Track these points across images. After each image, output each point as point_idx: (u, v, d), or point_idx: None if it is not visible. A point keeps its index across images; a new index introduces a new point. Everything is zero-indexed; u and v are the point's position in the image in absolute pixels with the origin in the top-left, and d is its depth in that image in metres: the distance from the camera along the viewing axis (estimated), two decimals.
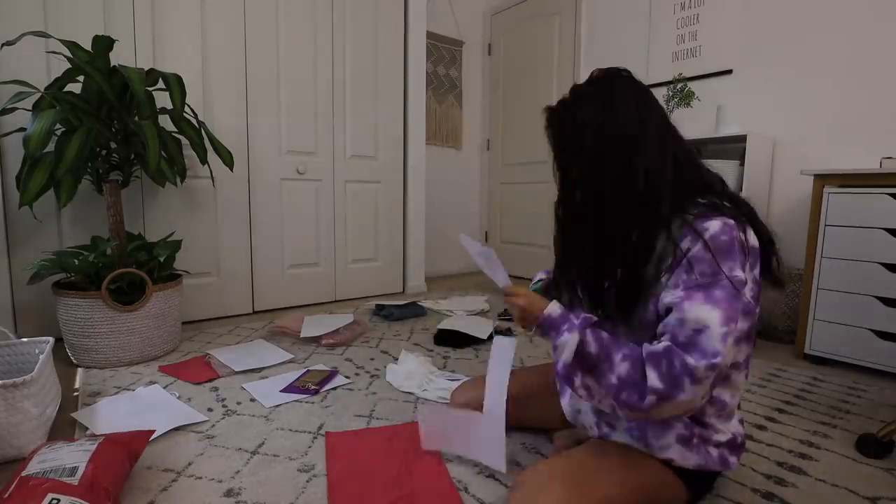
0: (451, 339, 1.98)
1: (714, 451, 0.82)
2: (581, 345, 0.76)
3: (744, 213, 0.79)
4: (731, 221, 0.74)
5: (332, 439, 1.18)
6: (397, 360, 1.74)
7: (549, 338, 0.82)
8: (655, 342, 0.74)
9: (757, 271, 0.76)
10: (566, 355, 0.76)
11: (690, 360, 0.68)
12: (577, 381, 0.77)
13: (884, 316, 1.66)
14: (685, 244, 0.74)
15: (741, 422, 0.88)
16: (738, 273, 0.71)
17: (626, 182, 0.78)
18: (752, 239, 0.76)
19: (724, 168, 2.27)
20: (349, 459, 1.09)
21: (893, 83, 1.98)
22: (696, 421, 0.82)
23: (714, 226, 0.73)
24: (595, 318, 0.79)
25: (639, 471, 0.80)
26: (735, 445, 0.85)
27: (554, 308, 0.83)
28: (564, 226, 0.88)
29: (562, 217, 0.88)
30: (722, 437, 0.83)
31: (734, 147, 2.39)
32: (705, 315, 0.69)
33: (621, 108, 0.79)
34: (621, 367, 0.73)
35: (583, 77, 3.39)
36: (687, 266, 0.73)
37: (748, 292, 0.74)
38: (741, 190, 2.20)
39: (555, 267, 0.95)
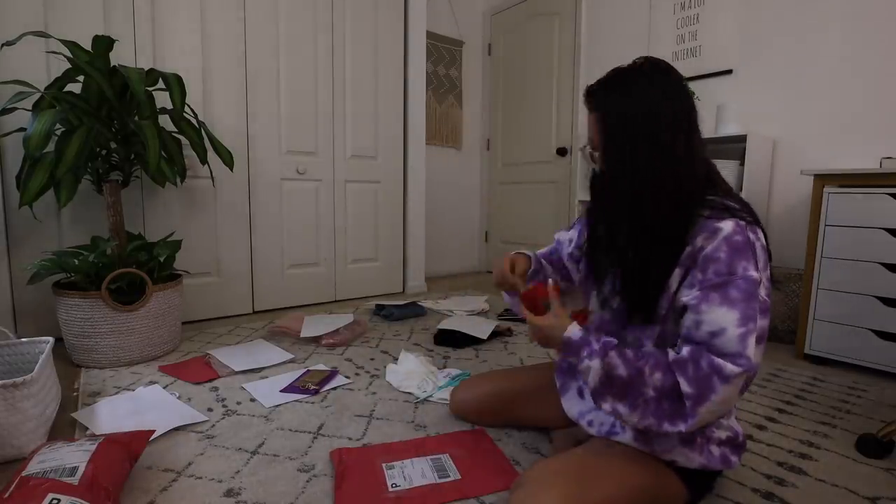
0: (451, 339, 1.98)
1: (716, 451, 0.82)
2: (608, 369, 0.76)
3: (751, 214, 0.79)
4: (742, 222, 0.75)
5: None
6: (397, 360, 1.74)
7: (574, 360, 0.82)
8: (677, 348, 0.74)
9: (768, 272, 0.76)
10: (592, 382, 0.78)
11: (717, 360, 0.69)
12: (608, 405, 0.77)
13: (884, 316, 1.66)
14: (699, 241, 0.75)
15: (745, 439, 0.89)
16: (752, 272, 0.71)
17: (663, 164, 0.78)
18: (762, 239, 0.77)
19: (724, 168, 2.27)
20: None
21: (893, 83, 1.98)
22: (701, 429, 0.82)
23: (728, 225, 0.73)
24: (615, 341, 0.79)
25: (640, 471, 0.80)
26: (736, 444, 0.85)
27: (573, 331, 0.82)
28: (601, 200, 0.90)
29: (599, 191, 0.89)
30: (723, 434, 0.83)
31: (734, 147, 2.39)
32: (721, 317, 0.70)
33: (665, 95, 0.80)
34: (655, 377, 0.73)
35: (583, 77, 3.39)
36: (702, 265, 0.74)
37: (762, 291, 0.73)
38: (741, 190, 2.20)
39: (586, 239, 0.96)
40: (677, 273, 0.77)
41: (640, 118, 0.79)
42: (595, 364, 0.77)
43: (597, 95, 0.86)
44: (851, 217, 1.72)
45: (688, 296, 0.74)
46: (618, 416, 0.77)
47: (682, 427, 0.71)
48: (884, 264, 1.66)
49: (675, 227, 0.78)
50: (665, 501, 0.82)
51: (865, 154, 2.05)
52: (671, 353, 0.73)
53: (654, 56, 0.86)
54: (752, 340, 0.69)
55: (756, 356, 0.71)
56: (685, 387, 0.70)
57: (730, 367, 0.68)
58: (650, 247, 0.80)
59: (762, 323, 0.73)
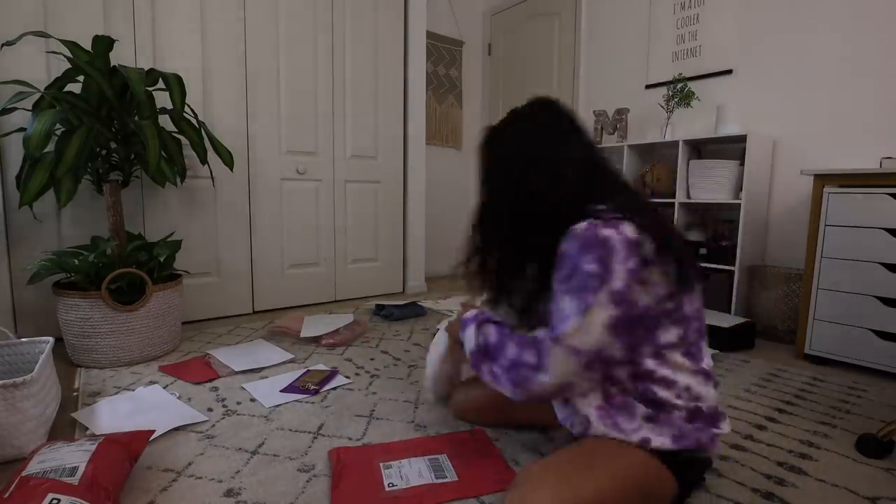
0: None
1: (687, 427, 0.83)
2: (482, 335, 0.93)
3: (626, 210, 0.85)
4: (598, 221, 0.82)
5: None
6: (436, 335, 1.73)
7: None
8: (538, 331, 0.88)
9: (633, 262, 0.79)
10: (469, 345, 0.96)
11: (542, 333, 0.84)
12: (486, 368, 0.91)
13: (884, 316, 1.66)
14: (562, 247, 0.86)
15: (718, 410, 0.88)
16: (591, 266, 0.79)
17: (534, 193, 0.93)
18: (627, 233, 0.80)
19: (724, 168, 2.27)
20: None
21: (893, 83, 1.98)
22: (650, 402, 0.84)
23: (580, 226, 0.83)
24: (492, 315, 0.98)
25: (628, 464, 0.81)
26: (705, 415, 0.85)
27: (466, 315, 1.01)
28: (485, 230, 1.04)
29: (483, 224, 1.03)
30: (684, 411, 0.84)
31: (734, 147, 2.39)
32: (563, 304, 0.82)
33: (535, 131, 0.96)
34: (511, 350, 0.88)
35: (583, 77, 3.39)
36: (558, 263, 0.85)
37: (618, 282, 0.78)
38: (741, 190, 2.20)
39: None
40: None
41: (511, 157, 0.96)
42: (470, 331, 0.96)
43: (483, 137, 1.04)
44: (851, 217, 1.72)
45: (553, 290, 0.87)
46: (494, 378, 0.90)
47: (539, 382, 0.83)
48: (884, 264, 1.66)
49: (542, 244, 0.91)
50: (656, 492, 0.83)
51: (865, 154, 2.05)
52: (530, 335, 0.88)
53: (546, 99, 1.01)
54: (595, 325, 0.79)
55: (591, 338, 0.79)
56: (530, 357, 0.84)
57: (550, 345, 0.81)
58: (523, 267, 0.98)
59: (615, 312, 0.79)
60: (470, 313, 1.01)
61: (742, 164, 2.22)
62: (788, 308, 2.09)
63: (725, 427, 0.88)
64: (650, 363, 0.83)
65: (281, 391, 1.48)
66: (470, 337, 0.96)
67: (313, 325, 2.03)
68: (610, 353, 0.81)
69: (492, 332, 0.92)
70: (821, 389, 1.57)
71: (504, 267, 1.02)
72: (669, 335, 0.84)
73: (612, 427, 0.86)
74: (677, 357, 0.84)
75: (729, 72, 2.47)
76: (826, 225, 1.78)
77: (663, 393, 0.84)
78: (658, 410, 0.84)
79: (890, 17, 1.97)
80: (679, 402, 0.84)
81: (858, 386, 1.61)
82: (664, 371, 0.84)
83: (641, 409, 0.84)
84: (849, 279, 1.73)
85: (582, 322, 0.79)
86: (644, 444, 0.83)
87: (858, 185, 1.74)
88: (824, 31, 2.15)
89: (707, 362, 0.89)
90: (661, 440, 0.83)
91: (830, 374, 1.71)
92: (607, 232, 0.80)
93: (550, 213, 0.91)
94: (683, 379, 0.84)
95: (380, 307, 2.46)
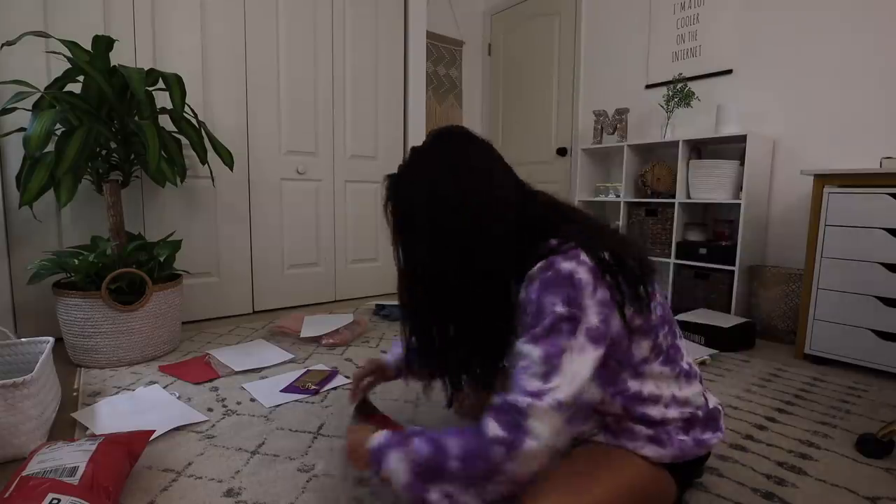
0: None
1: (686, 438, 0.83)
2: (410, 454, 0.71)
3: (579, 235, 0.77)
4: (554, 257, 0.73)
5: None
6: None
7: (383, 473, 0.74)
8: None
9: (601, 292, 0.72)
10: (403, 477, 0.70)
11: (512, 397, 0.68)
12: (434, 496, 0.68)
13: (884, 316, 1.66)
14: (521, 295, 0.76)
15: (711, 409, 0.87)
16: (560, 308, 0.70)
17: (470, 246, 0.78)
18: (588, 261, 0.73)
19: (724, 168, 2.27)
20: None
21: (893, 83, 1.98)
22: (649, 423, 0.82)
23: (538, 267, 0.73)
24: (418, 429, 0.76)
25: (626, 469, 0.81)
26: (701, 421, 0.84)
27: (377, 438, 0.77)
28: (415, 304, 0.88)
29: (411, 297, 0.88)
30: (682, 426, 0.83)
31: (734, 147, 2.39)
32: (528, 353, 0.70)
33: (447, 174, 0.80)
34: (454, 446, 0.69)
35: (583, 76, 3.38)
36: (523, 310, 0.75)
37: (593, 318, 0.71)
38: (741, 190, 2.20)
39: (413, 353, 0.93)
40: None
41: (424, 205, 0.79)
42: (394, 459, 0.72)
43: (390, 188, 0.87)
44: (851, 217, 1.72)
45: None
46: (450, 500, 0.68)
47: (502, 482, 0.67)
48: (884, 264, 1.66)
49: (493, 297, 0.78)
50: (659, 496, 0.83)
51: (865, 154, 2.05)
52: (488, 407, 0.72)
53: (454, 131, 0.86)
54: (568, 369, 0.68)
55: (581, 384, 0.69)
56: (496, 430, 0.67)
57: (527, 405, 0.67)
58: (478, 323, 0.80)
59: (596, 353, 0.71)
60: (379, 437, 0.77)
61: (742, 164, 2.22)
62: (788, 308, 2.09)
63: (722, 426, 0.88)
64: (634, 385, 0.80)
65: (281, 391, 1.48)
66: (399, 468, 0.71)
67: (313, 325, 2.03)
68: (590, 396, 0.73)
69: (421, 446, 0.71)
70: (821, 389, 1.57)
71: (462, 336, 0.84)
72: (642, 350, 0.80)
73: (613, 440, 0.85)
74: (655, 368, 0.82)
75: (729, 72, 2.47)
76: (826, 225, 1.78)
77: (654, 411, 0.81)
78: (656, 429, 0.82)
79: (890, 17, 1.97)
80: (672, 414, 0.82)
81: (858, 386, 1.61)
82: (649, 388, 0.81)
83: (642, 430, 0.83)
84: (849, 279, 1.73)
85: (561, 370, 0.68)
86: (647, 458, 0.83)
87: (858, 185, 1.74)
88: (824, 30, 2.15)
89: (686, 361, 0.87)
90: (663, 458, 0.82)
91: (830, 374, 1.71)
92: (568, 266, 0.72)
93: (497, 255, 0.78)
94: (667, 389, 0.82)
95: (380, 307, 2.46)
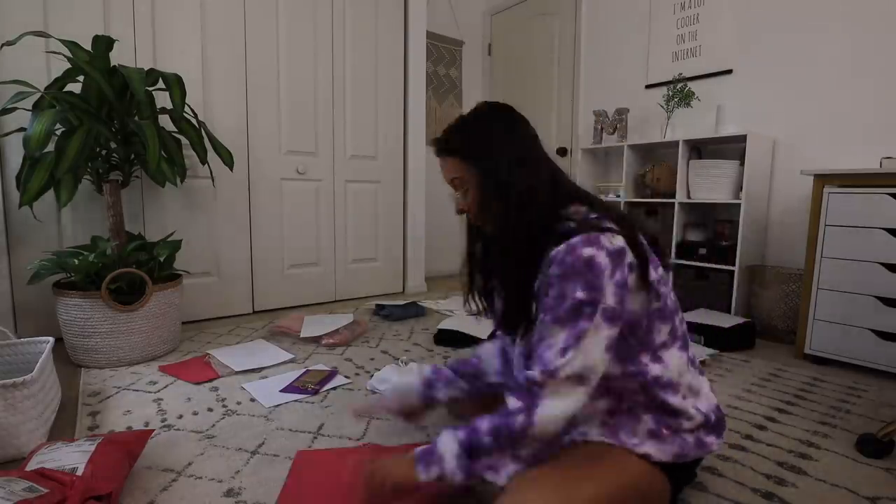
0: (451, 339, 1.98)
1: (690, 437, 0.84)
2: (453, 440, 0.80)
3: (602, 218, 0.82)
4: (577, 238, 0.77)
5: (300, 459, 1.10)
6: (380, 370, 1.73)
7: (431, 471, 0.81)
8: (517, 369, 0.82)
9: (619, 274, 0.77)
10: (452, 461, 0.79)
11: (531, 372, 0.77)
12: (479, 468, 0.78)
13: (884, 316, 1.66)
14: (547, 269, 0.81)
15: (721, 414, 0.89)
16: (581, 293, 0.75)
17: (524, 200, 0.85)
18: (613, 243, 0.77)
19: (724, 168, 2.27)
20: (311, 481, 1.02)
21: (893, 83, 1.98)
22: (663, 411, 0.83)
23: (560, 250, 0.78)
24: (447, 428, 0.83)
25: (620, 468, 0.81)
26: (710, 426, 0.86)
27: (415, 449, 0.84)
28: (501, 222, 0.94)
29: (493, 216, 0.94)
30: (692, 424, 0.84)
31: (734, 147, 2.39)
32: (549, 333, 0.78)
33: (515, 132, 0.90)
34: (483, 425, 0.79)
35: (583, 76, 3.38)
36: (546, 289, 0.80)
37: (611, 298, 0.76)
38: (741, 189, 2.20)
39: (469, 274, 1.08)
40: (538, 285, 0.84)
41: (503, 131, 0.89)
42: (449, 440, 0.80)
43: (450, 143, 0.92)
44: (851, 217, 1.72)
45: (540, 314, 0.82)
46: (494, 472, 0.79)
47: (526, 441, 0.77)
48: (884, 264, 1.66)
49: (529, 253, 0.85)
50: (652, 496, 0.83)
51: (865, 154, 2.05)
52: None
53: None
54: (592, 349, 0.75)
55: (589, 360, 0.76)
56: (514, 403, 0.78)
57: (539, 377, 0.76)
58: (517, 270, 0.87)
59: (609, 332, 0.77)
60: (416, 449, 0.84)
61: (742, 164, 2.22)
62: (788, 308, 2.09)
63: (724, 434, 0.89)
64: (654, 368, 0.83)
65: (281, 391, 1.48)
66: (447, 451, 0.80)
67: (313, 325, 2.03)
68: (608, 371, 0.80)
69: (457, 433, 0.80)
70: (821, 389, 1.57)
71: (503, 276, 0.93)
72: (661, 334, 0.84)
73: (612, 437, 0.85)
74: (675, 353, 0.85)
75: (729, 72, 2.47)
76: (826, 225, 1.78)
77: (674, 399, 0.83)
78: (669, 419, 0.83)
79: (890, 17, 1.97)
80: (688, 407, 0.83)
81: (858, 386, 1.60)
82: (668, 374, 0.83)
83: (646, 423, 0.83)
84: (849, 279, 1.73)
85: (578, 347, 0.75)
86: (645, 458, 0.83)
87: (858, 185, 1.74)
88: (824, 30, 2.15)
89: (691, 352, 0.90)
90: (662, 456, 0.83)
91: (830, 374, 1.71)
92: (589, 251, 0.76)
93: (536, 221, 0.85)
94: (685, 377, 0.85)
95: (380, 307, 2.46)
